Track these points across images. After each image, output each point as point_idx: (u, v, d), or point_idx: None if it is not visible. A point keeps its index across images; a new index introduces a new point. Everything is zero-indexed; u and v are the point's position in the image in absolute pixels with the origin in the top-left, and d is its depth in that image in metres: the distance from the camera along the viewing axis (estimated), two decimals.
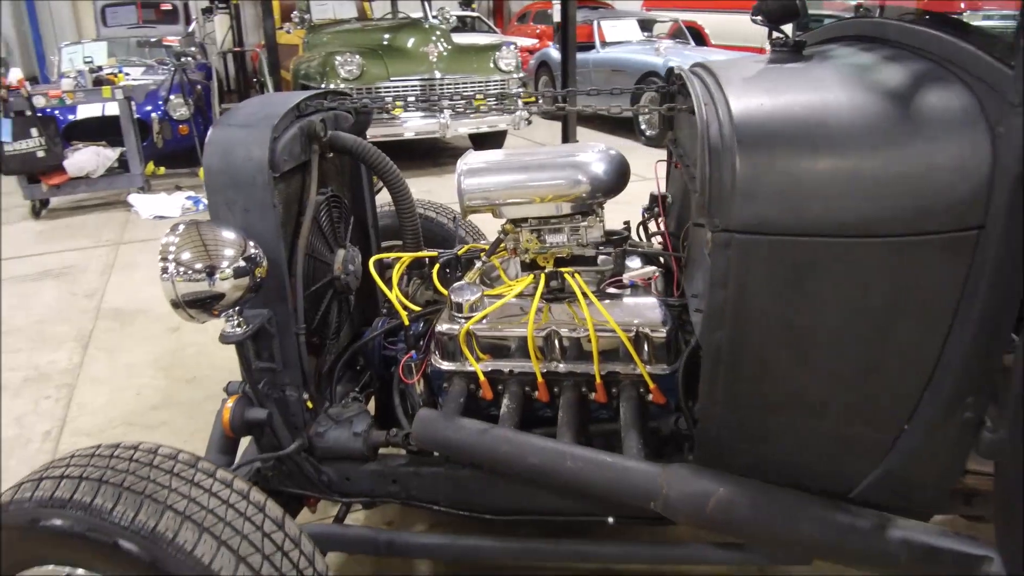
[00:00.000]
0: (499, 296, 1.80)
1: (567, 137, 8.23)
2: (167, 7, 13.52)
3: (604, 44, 9.89)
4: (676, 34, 10.90)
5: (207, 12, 13.44)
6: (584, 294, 1.72)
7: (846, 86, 1.41)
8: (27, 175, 6.14)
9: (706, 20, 12.47)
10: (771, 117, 1.35)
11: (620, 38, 9.97)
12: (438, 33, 7.61)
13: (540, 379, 1.73)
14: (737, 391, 1.45)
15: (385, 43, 7.60)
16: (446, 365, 1.80)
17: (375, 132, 7.07)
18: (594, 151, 1.83)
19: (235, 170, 1.69)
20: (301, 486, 1.84)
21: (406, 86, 7.17)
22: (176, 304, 1.57)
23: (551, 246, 1.84)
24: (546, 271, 1.79)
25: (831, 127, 1.32)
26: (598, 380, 1.71)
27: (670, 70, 1.87)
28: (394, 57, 7.31)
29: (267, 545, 1.26)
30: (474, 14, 16.50)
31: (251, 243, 1.61)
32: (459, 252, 2.06)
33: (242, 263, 1.58)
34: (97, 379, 3.40)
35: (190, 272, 1.55)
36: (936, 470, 1.42)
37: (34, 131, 5.95)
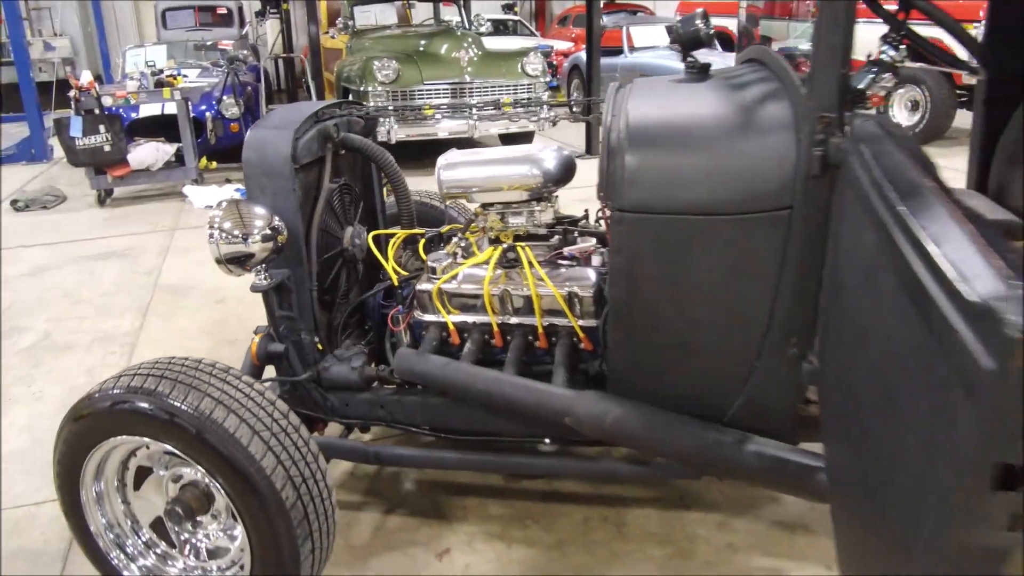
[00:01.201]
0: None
1: (590, 137, 8.69)
2: (223, 11, 14.30)
3: (633, 49, 10.29)
4: None
5: (260, 15, 14.20)
6: (531, 263, 2.19)
7: (715, 100, 1.86)
8: (94, 167, 6.82)
9: (736, 25, 12.80)
10: (655, 125, 1.81)
11: (649, 43, 10.36)
12: (470, 40, 8.12)
13: (495, 328, 2.21)
14: (633, 335, 1.90)
15: (420, 49, 8.14)
16: (424, 317, 2.29)
17: (412, 132, 7.63)
18: (548, 150, 2.29)
19: (266, 162, 2.20)
20: (311, 409, 2.34)
21: (438, 89, 7.70)
22: (219, 261, 2.09)
23: (511, 225, 2.31)
24: (504, 245, 2.27)
25: (695, 132, 1.77)
26: (540, 330, 2.18)
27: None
28: (428, 62, 7.85)
29: (275, 427, 1.76)
30: (515, 18, 17.03)
31: (276, 217, 2.13)
32: (442, 231, 2.55)
33: (268, 231, 2.10)
34: (154, 340, 3.98)
35: (230, 236, 2.07)
36: (780, 398, 1.86)
37: (102, 128, 6.63)
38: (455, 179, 2.28)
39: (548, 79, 8.37)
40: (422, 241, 2.49)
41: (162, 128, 7.41)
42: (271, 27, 12.66)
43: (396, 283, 2.40)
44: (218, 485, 1.76)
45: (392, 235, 2.55)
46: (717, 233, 1.74)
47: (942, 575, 0.84)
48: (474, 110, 7.66)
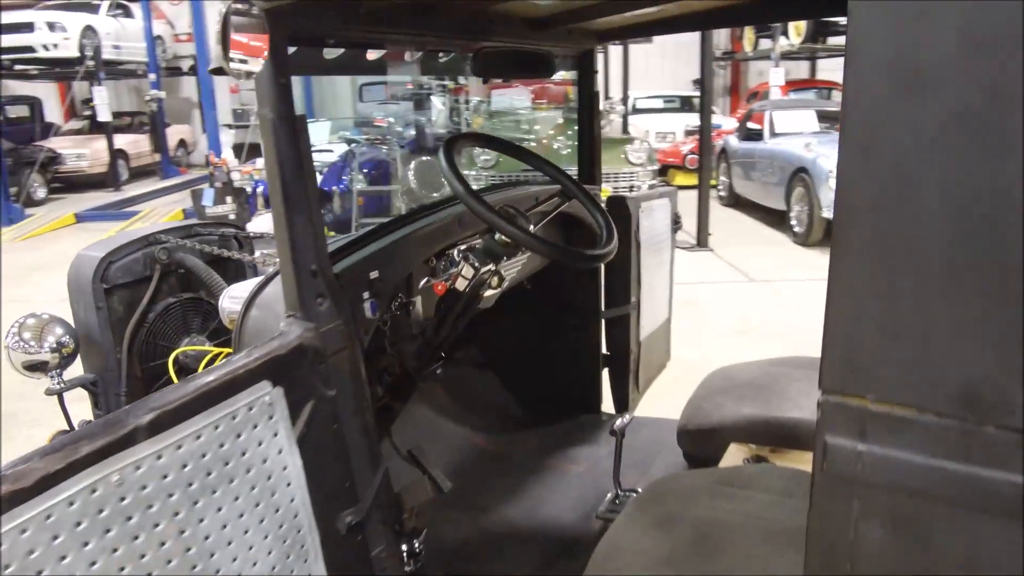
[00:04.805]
0: None
1: (702, 225, 8.36)
2: (411, 87, 15.63)
3: (773, 134, 9.81)
4: None
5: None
6: None
7: None
8: None
9: None
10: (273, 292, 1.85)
11: (792, 129, 9.81)
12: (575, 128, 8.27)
13: None
14: None
15: (529, 135, 8.43)
16: None
17: None
18: None
19: (78, 282, 2.52)
20: None
21: (536, 174, 7.89)
22: (16, 367, 2.43)
23: None
24: None
25: None
26: None
27: None
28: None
29: None
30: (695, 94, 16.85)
31: (66, 331, 2.42)
32: None
33: (56, 344, 2.40)
34: None
35: (23, 345, 2.39)
36: None
37: (229, 199, 7.60)
38: (234, 309, 2.45)
39: (656, 166, 8.27)
40: (219, 359, 2.67)
41: None
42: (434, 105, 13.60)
43: None
44: None
45: (208, 352, 2.75)
46: None
47: None
48: None
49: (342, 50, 1.70)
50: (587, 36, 2.26)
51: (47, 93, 17.68)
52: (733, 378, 2.18)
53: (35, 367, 2.39)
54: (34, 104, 16.87)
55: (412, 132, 11.54)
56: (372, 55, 1.82)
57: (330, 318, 1.40)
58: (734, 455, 1.83)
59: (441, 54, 2.05)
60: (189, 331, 2.80)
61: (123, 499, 1.04)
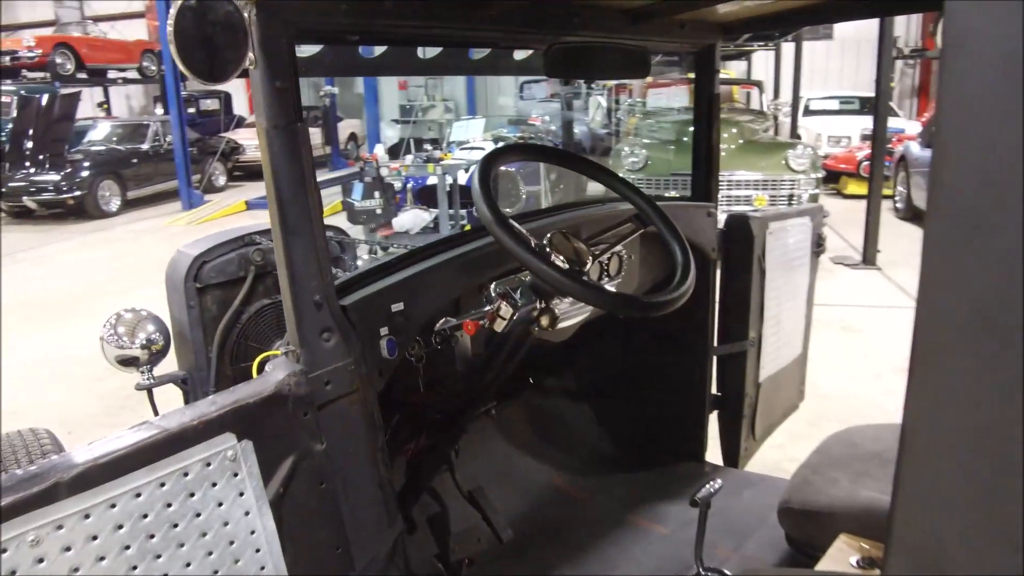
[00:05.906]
0: None
1: (869, 239, 7.55)
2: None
3: None
4: None
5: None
6: None
7: None
8: (369, 226, 7.98)
9: None
10: None
11: None
12: (734, 131, 7.73)
13: None
14: None
15: (684, 138, 7.97)
16: None
17: None
18: None
19: (173, 280, 2.52)
20: None
21: (686, 180, 7.45)
22: (109, 360, 2.46)
23: None
24: None
25: None
26: None
27: None
28: (682, 151, 7.65)
29: None
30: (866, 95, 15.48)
31: (158, 327, 2.42)
32: None
33: (146, 340, 2.40)
34: None
35: (117, 339, 2.42)
36: None
37: (377, 194, 7.74)
38: None
39: (821, 174, 7.58)
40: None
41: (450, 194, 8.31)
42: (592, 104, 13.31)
43: None
44: None
45: None
46: None
47: None
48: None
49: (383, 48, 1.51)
50: (706, 30, 1.94)
51: (236, 87, 19.08)
52: (856, 446, 1.78)
53: (127, 361, 2.40)
54: (224, 98, 18.28)
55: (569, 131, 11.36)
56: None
57: (337, 356, 1.22)
58: (842, 550, 1.47)
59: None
60: (283, 334, 2.74)
61: (41, 560, 0.90)
